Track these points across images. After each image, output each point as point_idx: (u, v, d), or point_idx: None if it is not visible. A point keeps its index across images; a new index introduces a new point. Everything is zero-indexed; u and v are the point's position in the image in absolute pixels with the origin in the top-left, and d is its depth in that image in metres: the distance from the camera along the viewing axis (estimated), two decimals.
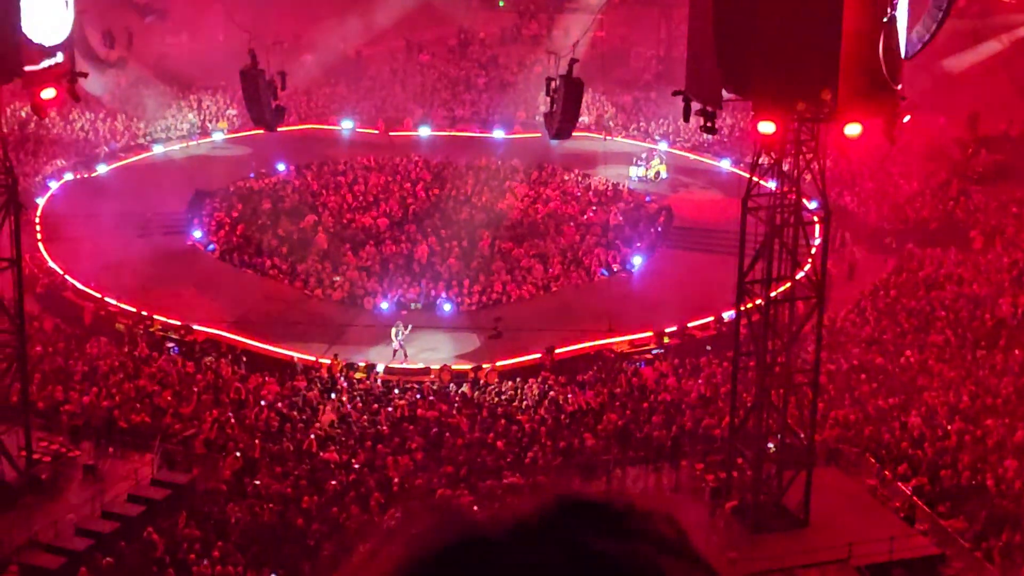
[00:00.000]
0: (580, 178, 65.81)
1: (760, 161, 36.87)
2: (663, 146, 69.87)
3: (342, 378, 45.63)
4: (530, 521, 2.16)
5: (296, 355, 47.23)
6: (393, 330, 48.02)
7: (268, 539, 35.96)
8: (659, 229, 60.77)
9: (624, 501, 2.21)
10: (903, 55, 33.78)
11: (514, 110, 75.24)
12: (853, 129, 33.59)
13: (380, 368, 46.61)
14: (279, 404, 43.22)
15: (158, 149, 70.01)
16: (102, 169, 66.42)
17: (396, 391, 45.10)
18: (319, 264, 55.14)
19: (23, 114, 62.36)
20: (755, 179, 36.42)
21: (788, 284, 37.80)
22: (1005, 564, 35.38)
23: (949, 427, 41.26)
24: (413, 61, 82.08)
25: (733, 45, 33.06)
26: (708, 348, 48.42)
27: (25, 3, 34.22)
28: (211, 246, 58.15)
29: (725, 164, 67.42)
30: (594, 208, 62.11)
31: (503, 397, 44.55)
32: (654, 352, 48.14)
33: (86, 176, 65.35)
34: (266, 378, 45.27)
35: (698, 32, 35.57)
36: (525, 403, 43.90)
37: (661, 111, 71.71)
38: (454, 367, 46.84)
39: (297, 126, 69.71)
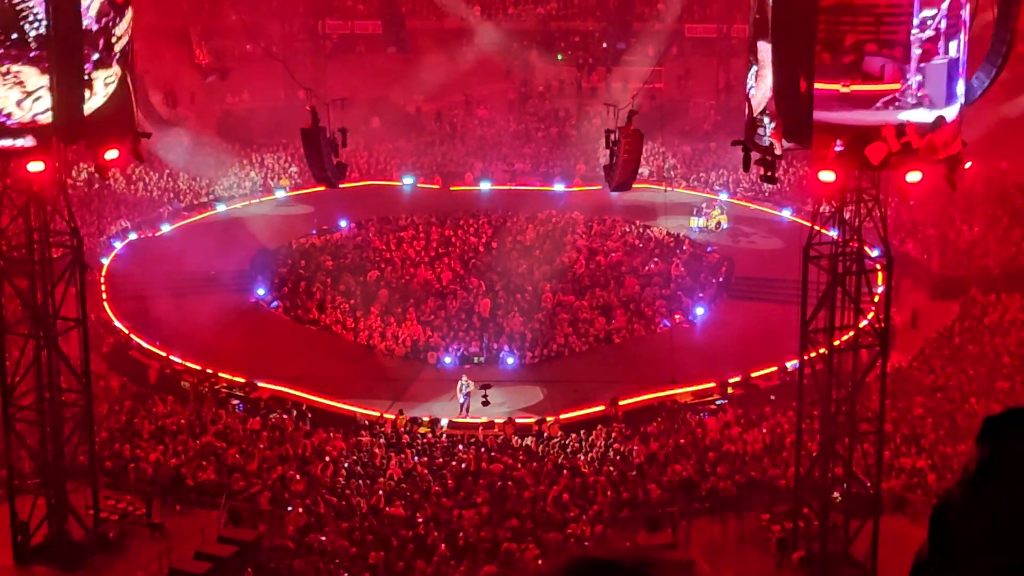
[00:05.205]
0: (641, 229, 65.79)
1: (821, 210, 36.79)
2: (723, 196, 69.83)
3: (406, 433, 45.68)
4: None
5: (360, 410, 47.35)
6: (459, 384, 48.13)
7: None
8: (721, 279, 60.60)
9: (638, 557, 2.28)
10: (964, 101, 33.66)
11: (574, 163, 75.38)
12: (914, 176, 33.43)
13: (444, 422, 46.65)
14: (344, 460, 43.30)
15: (221, 207, 70.55)
16: (166, 228, 66.99)
17: (460, 445, 45.10)
18: (382, 319, 55.32)
19: (86, 174, 63.15)
20: (816, 228, 36.33)
21: (851, 332, 37.65)
22: None
23: None
24: (472, 115, 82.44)
25: (792, 94, 33.02)
26: (772, 398, 48.15)
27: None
28: (274, 303, 58.43)
29: (786, 213, 67.28)
30: (655, 259, 62.07)
31: (567, 449, 44.46)
32: (718, 402, 47.95)
33: (150, 235, 65.88)
34: (331, 434, 45.35)
35: None
36: (590, 455, 43.79)
37: (721, 161, 71.62)
38: (518, 420, 46.81)
39: (358, 182, 70.17)
